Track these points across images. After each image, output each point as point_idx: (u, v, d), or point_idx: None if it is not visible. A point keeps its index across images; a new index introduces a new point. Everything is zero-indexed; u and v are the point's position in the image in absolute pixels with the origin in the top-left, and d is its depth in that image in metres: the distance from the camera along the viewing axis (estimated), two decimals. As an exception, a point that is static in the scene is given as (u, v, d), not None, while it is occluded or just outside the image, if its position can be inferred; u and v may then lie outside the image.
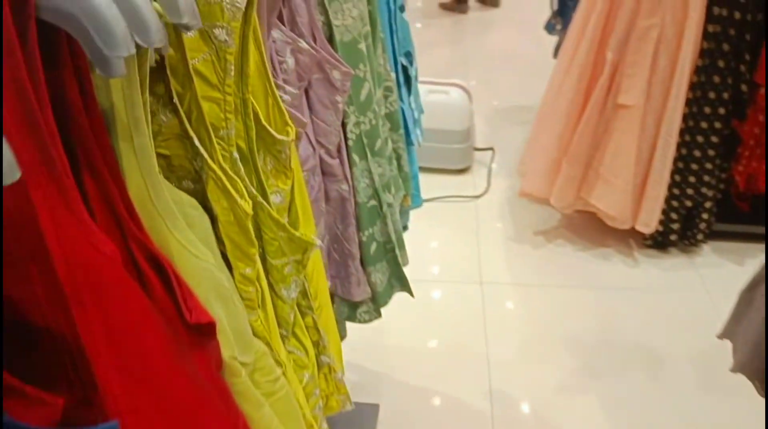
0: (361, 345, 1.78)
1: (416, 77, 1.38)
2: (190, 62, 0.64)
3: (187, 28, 0.51)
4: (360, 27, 1.03)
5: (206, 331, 0.55)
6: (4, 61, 0.41)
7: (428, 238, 2.38)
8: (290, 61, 0.94)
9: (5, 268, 0.48)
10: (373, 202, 1.13)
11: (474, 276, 2.21)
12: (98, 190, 0.51)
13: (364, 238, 1.14)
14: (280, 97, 0.89)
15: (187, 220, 0.61)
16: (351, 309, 1.24)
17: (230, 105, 0.67)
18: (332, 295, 1.24)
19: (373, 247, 1.16)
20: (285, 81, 0.94)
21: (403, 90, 1.32)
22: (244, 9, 0.61)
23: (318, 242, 0.77)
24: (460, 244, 2.37)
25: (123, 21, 0.42)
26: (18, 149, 0.44)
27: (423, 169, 2.69)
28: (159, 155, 0.66)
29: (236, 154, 0.69)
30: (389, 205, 1.17)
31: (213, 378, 0.58)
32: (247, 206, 0.63)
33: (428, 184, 2.63)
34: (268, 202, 0.74)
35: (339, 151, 1.07)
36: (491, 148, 2.83)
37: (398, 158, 1.32)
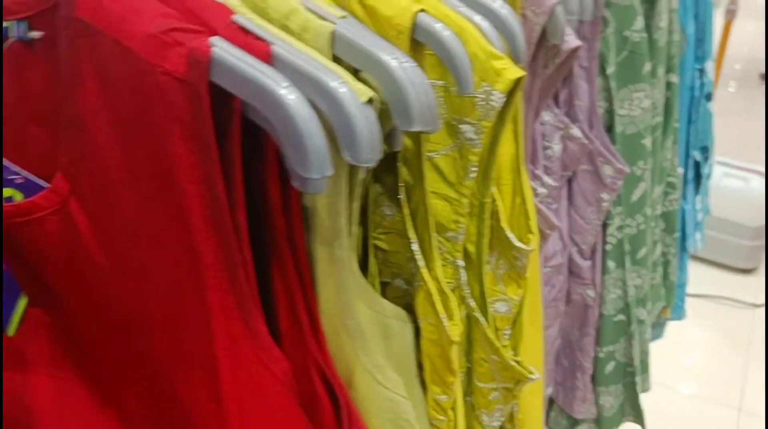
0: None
1: (709, 175, 1.18)
2: (430, 154, 0.56)
3: (422, 133, 0.43)
4: (648, 119, 0.88)
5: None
6: (200, 158, 0.37)
7: (689, 340, 2.08)
8: (557, 148, 0.83)
9: (174, 366, 0.44)
10: (621, 317, 0.97)
11: (733, 400, 1.88)
12: (286, 298, 0.45)
13: (601, 355, 0.99)
14: (534, 190, 0.78)
15: (386, 330, 0.54)
16: (569, 424, 1.09)
17: (464, 207, 0.58)
18: (552, 402, 1.10)
19: (611, 366, 1.00)
20: (546, 169, 0.83)
21: (690, 188, 1.13)
22: (499, 109, 0.52)
23: (536, 376, 0.64)
24: (725, 357, 2.03)
25: (322, 139, 0.35)
26: (201, 250, 0.40)
27: (700, 260, 2.38)
28: (376, 247, 0.60)
29: (461, 262, 0.60)
30: (640, 322, 1.00)
31: None
32: (455, 332, 0.54)
33: (702, 277, 2.32)
34: (487, 319, 0.64)
35: (593, 253, 0.93)
36: (789, 253, 2.40)
37: (666, 265, 1.13)
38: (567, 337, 1.01)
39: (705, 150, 1.11)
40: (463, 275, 0.60)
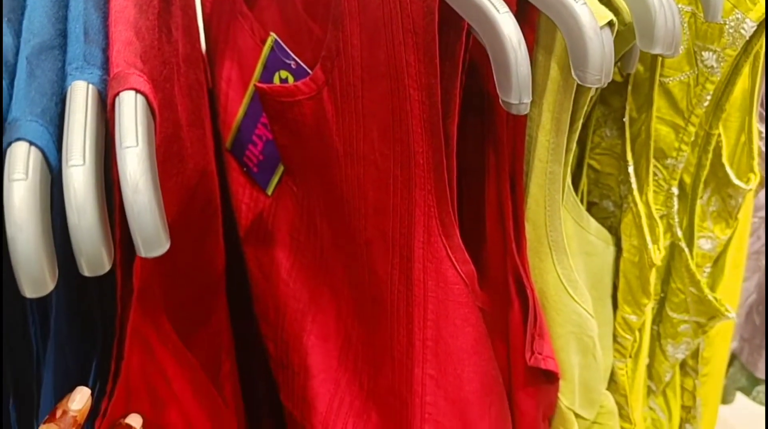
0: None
1: None
2: (664, 79, 0.57)
3: (662, 56, 0.44)
4: None
5: (545, 376, 0.52)
6: (424, 67, 0.41)
7: None
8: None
9: (379, 247, 0.50)
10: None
11: None
12: (496, 202, 0.49)
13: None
14: (760, 133, 0.75)
15: (587, 247, 0.56)
16: (749, 382, 1.06)
17: (690, 136, 0.58)
18: (734, 357, 1.07)
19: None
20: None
21: None
22: (748, 38, 0.50)
23: (732, 315, 0.64)
24: None
25: (526, 67, 0.36)
26: (415, 149, 0.44)
27: None
28: (589, 167, 0.62)
29: (675, 189, 0.61)
30: None
31: (533, 419, 0.54)
32: (656, 256, 0.56)
33: None
34: (691, 251, 0.64)
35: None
36: None
37: None
38: (763, 294, 0.97)
39: None
40: (675, 204, 0.61)
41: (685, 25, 0.53)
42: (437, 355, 0.50)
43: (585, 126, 0.60)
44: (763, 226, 0.89)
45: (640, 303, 0.59)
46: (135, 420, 0.45)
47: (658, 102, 0.57)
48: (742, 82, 0.64)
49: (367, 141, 0.49)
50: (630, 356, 0.62)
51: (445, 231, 0.47)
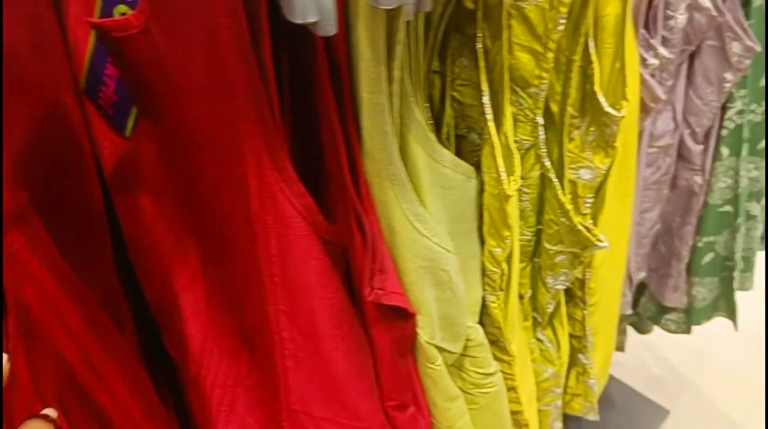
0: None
1: None
2: (520, 3, 0.55)
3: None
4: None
5: (394, 312, 0.51)
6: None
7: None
8: (681, 18, 0.77)
9: (222, 185, 0.49)
10: (727, 208, 0.92)
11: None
12: (330, 143, 0.48)
13: (699, 244, 0.95)
14: (644, 59, 0.74)
15: (443, 180, 0.55)
16: (658, 311, 1.08)
17: (549, 62, 0.56)
18: (644, 287, 1.08)
19: (708, 257, 0.96)
20: (665, 40, 0.78)
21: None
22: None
23: (604, 244, 0.64)
24: None
25: None
26: (232, 80, 0.43)
27: None
28: (453, 99, 0.60)
29: (540, 119, 0.60)
30: (750, 217, 0.95)
31: (388, 354, 0.54)
32: (510, 187, 0.55)
33: None
34: (562, 182, 0.63)
35: (707, 137, 0.88)
36: None
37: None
38: (667, 223, 0.98)
39: None
40: (542, 133, 0.60)
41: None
42: (287, 291, 0.50)
43: (443, 56, 0.58)
44: (662, 157, 0.89)
45: (502, 235, 0.58)
46: (51, 411, 0.44)
47: (517, 28, 0.55)
48: (613, 7, 0.63)
49: (197, 76, 0.47)
50: (501, 289, 0.62)
51: (275, 165, 0.46)
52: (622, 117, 0.63)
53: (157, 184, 0.59)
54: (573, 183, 0.68)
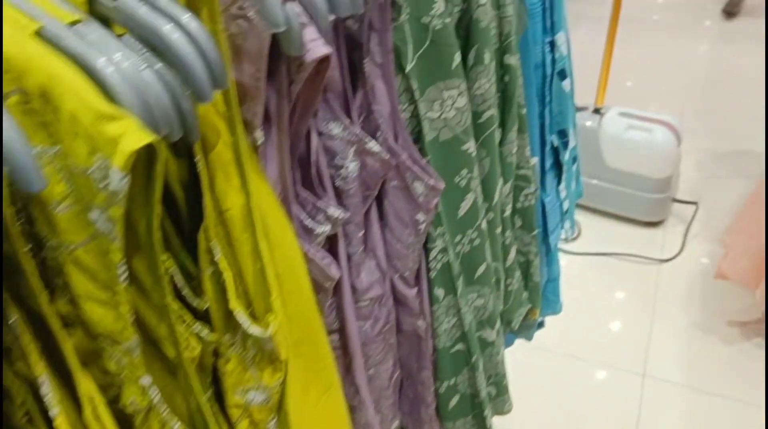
0: None
1: (575, 159, 1.04)
2: (68, 246, 0.39)
3: None
4: (467, 120, 0.72)
5: None
6: None
7: (592, 301, 1.98)
8: (352, 166, 0.66)
9: None
10: (460, 347, 0.83)
11: (637, 364, 1.80)
12: None
13: (441, 390, 0.85)
14: (311, 230, 0.62)
15: None
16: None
17: (128, 313, 0.41)
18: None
19: (455, 400, 0.87)
20: (342, 192, 0.67)
21: (549, 178, 0.99)
22: (124, 193, 0.34)
23: None
24: (629, 317, 1.95)
25: None
26: None
27: (606, 215, 2.29)
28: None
29: (146, 379, 0.44)
30: (486, 346, 0.86)
31: None
32: None
33: (607, 234, 2.23)
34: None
35: (418, 278, 0.78)
36: (695, 203, 2.32)
37: (526, 266, 0.99)
38: (407, 369, 0.87)
39: (563, 134, 0.96)
40: (155, 394, 0.44)
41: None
42: None
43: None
44: (378, 307, 0.78)
45: None
46: None
47: (76, 278, 0.39)
48: (236, 197, 0.50)
49: None
50: None
51: None
52: (272, 335, 0.49)
53: None
54: (244, 408, 0.53)
